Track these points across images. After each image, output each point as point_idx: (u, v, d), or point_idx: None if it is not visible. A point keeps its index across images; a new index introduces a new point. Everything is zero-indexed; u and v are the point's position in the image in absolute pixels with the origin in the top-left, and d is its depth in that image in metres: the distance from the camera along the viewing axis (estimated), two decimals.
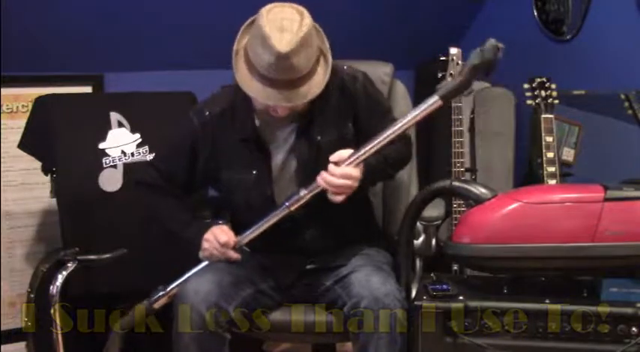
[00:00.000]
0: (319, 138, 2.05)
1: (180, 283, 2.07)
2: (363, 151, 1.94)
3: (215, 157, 2.10)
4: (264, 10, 1.91)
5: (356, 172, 1.94)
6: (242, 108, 2.06)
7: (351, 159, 1.94)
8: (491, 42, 1.80)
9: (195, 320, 1.94)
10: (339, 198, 1.95)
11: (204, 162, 2.11)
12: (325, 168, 1.95)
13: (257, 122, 2.07)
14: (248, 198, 2.09)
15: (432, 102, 1.88)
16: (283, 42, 1.84)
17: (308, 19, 1.90)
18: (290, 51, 1.84)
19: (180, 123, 2.16)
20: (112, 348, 2.13)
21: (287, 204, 1.99)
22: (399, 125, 1.92)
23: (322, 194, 1.97)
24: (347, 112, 2.09)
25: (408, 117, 1.91)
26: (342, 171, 1.92)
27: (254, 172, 2.07)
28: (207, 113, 2.10)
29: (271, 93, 1.90)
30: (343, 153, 1.95)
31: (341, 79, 2.08)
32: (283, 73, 1.87)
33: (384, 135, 1.92)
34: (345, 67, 2.11)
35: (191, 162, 2.12)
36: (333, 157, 1.95)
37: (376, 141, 1.92)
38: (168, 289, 2.09)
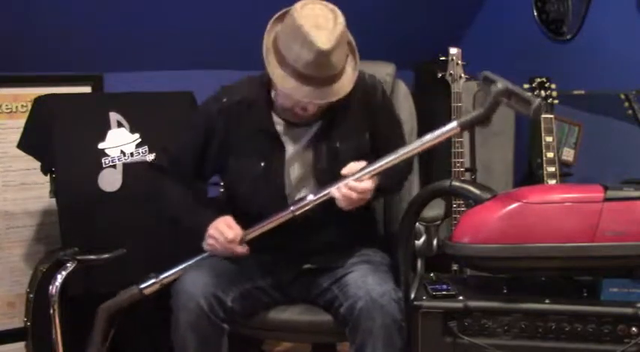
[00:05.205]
0: (338, 144, 2.06)
1: (177, 273, 2.08)
2: (377, 165, 1.95)
3: (226, 145, 2.10)
4: (297, 7, 1.92)
5: (371, 186, 1.96)
6: (261, 101, 2.07)
7: (366, 171, 1.95)
8: (540, 104, 1.82)
9: (193, 310, 1.94)
10: (349, 207, 1.96)
11: (215, 148, 2.11)
12: (340, 174, 1.96)
13: (275, 118, 2.08)
14: (255, 189, 2.08)
15: (450, 128, 1.91)
16: (323, 39, 1.86)
17: (341, 17, 1.92)
18: (331, 47, 1.86)
19: (197, 110, 2.17)
20: (97, 328, 2.12)
21: (292, 208, 2.00)
22: (415, 146, 1.95)
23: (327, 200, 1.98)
24: (366, 122, 2.10)
25: (425, 139, 1.94)
26: (363, 186, 1.94)
27: (262, 164, 2.07)
28: (225, 100, 2.10)
29: (307, 91, 1.91)
30: (354, 166, 1.97)
31: (363, 87, 2.09)
32: (322, 70, 1.89)
33: (399, 153, 1.95)
34: (366, 76, 2.12)
35: (202, 146, 2.12)
36: (345, 170, 1.96)
37: (391, 158, 1.95)
38: (161, 277, 2.10)
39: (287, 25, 1.92)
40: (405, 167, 2.15)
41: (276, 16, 1.99)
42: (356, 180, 1.94)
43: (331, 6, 1.94)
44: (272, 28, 1.98)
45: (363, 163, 1.97)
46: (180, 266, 2.09)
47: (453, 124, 1.90)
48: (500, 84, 1.85)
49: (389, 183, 2.07)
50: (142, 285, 2.11)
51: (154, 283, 2.10)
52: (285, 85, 1.92)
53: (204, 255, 2.09)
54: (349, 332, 1.96)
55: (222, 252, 2.04)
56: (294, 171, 2.09)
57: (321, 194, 1.98)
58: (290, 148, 2.08)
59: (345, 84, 1.96)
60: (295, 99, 1.94)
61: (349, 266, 2.08)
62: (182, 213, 2.14)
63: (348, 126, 2.08)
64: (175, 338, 1.98)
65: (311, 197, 1.99)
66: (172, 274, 2.09)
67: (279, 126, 2.08)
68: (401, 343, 1.94)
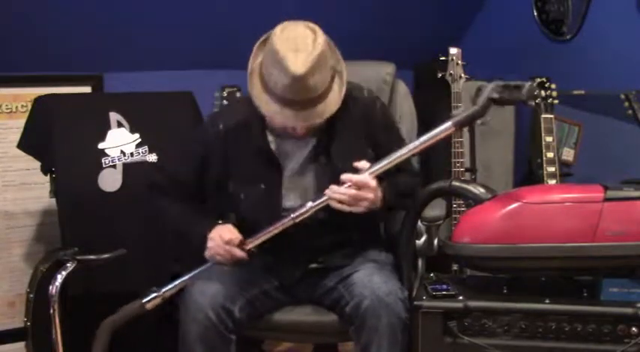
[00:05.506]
0: (340, 166, 2.04)
1: (178, 286, 2.08)
2: (378, 166, 1.97)
3: (226, 169, 2.10)
4: (277, 30, 1.92)
5: (373, 182, 1.95)
6: (256, 122, 2.06)
7: (371, 170, 1.96)
8: (532, 86, 1.88)
9: (201, 321, 1.94)
10: (353, 205, 1.95)
11: (214, 173, 2.11)
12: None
13: (270, 137, 2.08)
14: (256, 210, 2.08)
15: (445, 128, 1.94)
16: (298, 63, 1.85)
17: (321, 38, 1.90)
18: (305, 72, 1.85)
19: (194, 133, 2.19)
20: (99, 342, 2.11)
21: (293, 215, 2.00)
22: (412, 147, 1.98)
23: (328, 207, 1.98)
24: (366, 137, 2.10)
25: (421, 139, 1.97)
26: (358, 178, 1.94)
27: (262, 186, 2.07)
28: (222, 126, 2.10)
29: (288, 114, 1.91)
30: (364, 164, 1.98)
31: (361, 103, 2.09)
32: (299, 93, 1.88)
33: (397, 154, 1.97)
34: (365, 91, 2.12)
35: (201, 171, 2.12)
36: (358, 165, 1.97)
37: (389, 160, 1.97)
38: (163, 290, 2.10)
39: (268, 50, 1.92)
40: (408, 188, 2.13)
41: (261, 39, 1.98)
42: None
43: (313, 26, 1.93)
44: (257, 53, 1.98)
45: (368, 164, 1.98)
46: (182, 279, 2.09)
47: (448, 124, 1.94)
48: (492, 83, 1.91)
49: (393, 192, 2.04)
50: (144, 300, 2.10)
51: (155, 297, 2.10)
52: (269, 109, 1.93)
53: (205, 266, 2.09)
54: (354, 330, 1.96)
55: (222, 256, 2.03)
56: (293, 191, 2.09)
57: (319, 201, 1.99)
58: (287, 167, 2.08)
59: (332, 103, 1.95)
60: (280, 121, 1.95)
61: (355, 265, 2.09)
62: (183, 227, 2.14)
63: (348, 144, 2.07)
64: (183, 349, 1.98)
65: (310, 204, 2.00)
66: (174, 287, 2.09)
67: (276, 146, 2.08)
68: (405, 342, 1.95)
